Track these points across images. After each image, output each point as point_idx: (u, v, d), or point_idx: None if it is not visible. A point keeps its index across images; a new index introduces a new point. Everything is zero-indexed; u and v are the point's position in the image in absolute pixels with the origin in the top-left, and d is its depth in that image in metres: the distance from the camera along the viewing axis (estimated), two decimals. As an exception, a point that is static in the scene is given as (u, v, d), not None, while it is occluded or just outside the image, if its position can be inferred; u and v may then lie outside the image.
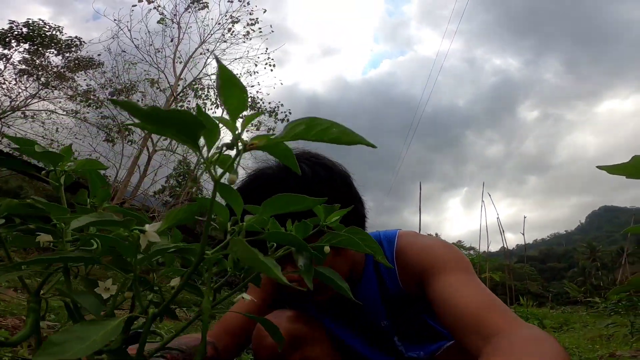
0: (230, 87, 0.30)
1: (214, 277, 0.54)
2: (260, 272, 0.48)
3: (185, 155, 11.80)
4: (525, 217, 8.46)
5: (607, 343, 3.18)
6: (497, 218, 8.45)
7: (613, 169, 0.66)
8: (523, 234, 8.83)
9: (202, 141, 0.35)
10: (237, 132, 0.32)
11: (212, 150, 0.34)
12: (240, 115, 0.32)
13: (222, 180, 0.35)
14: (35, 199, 0.45)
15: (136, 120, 0.30)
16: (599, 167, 0.70)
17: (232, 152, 0.33)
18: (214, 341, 0.90)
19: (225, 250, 0.40)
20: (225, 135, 0.37)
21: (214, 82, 11.92)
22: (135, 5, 11.41)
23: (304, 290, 0.72)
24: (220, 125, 0.34)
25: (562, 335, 4.31)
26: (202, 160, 0.33)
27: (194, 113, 0.31)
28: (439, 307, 0.70)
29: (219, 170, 0.34)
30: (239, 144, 0.32)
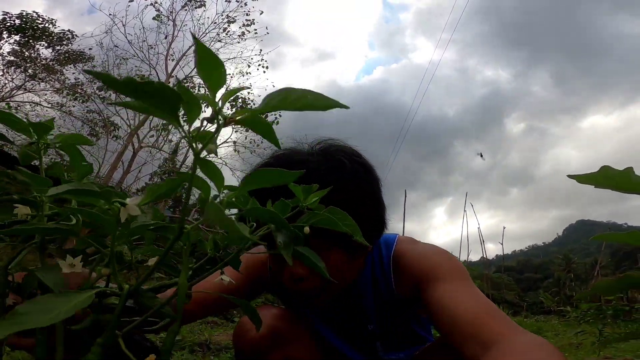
0: (208, 63, 0.32)
1: (193, 258, 0.55)
2: (242, 253, 0.49)
3: (171, 153, 11.64)
4: (504, 228, 8.61)
5: (575, 351, 3.22)
6: (478, 228, 8.58)
7: (583, 179, 0.70)
8: (502, 244, 9.00)
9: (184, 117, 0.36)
10: (217, 107, 0.33)
11: (194, 126, 0.35)
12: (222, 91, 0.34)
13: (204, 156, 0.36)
14: (20, 169, 0.45)
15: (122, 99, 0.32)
16: (570, 176, 0.73)
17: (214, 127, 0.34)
18: None
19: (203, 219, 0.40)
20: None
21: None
22: (132, 0, 11.40)
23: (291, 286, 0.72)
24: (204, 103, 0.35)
25: None
26: (183, 134, 0.34)
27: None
28: (437, 313, 0.70)
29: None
30: (220, 117, 0.33)
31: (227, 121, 0.34)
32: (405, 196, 8.77)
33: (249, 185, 0.41)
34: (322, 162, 0.73)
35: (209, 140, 0.34)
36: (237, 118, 0.34)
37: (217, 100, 0.33)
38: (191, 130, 0.35)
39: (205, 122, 0.34)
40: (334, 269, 0.71)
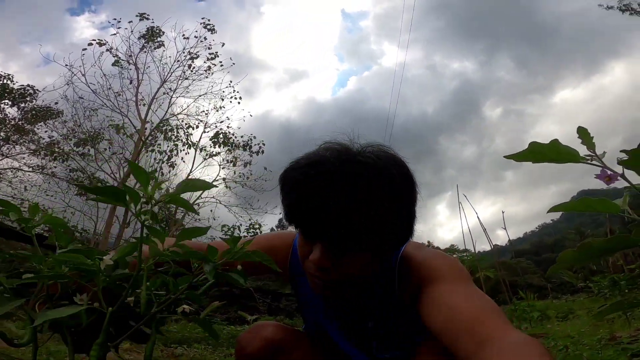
0: (138, 172, 0.54)
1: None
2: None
3: (168, 188, 11.53)
4: (503, 213, 8.69)
5: (609, 326, 3.18)
6: (478, 217, 8.69)
7: (518, 157, 0.67)
8: (505, 229, 9.06)
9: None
10: (149, 195, 0.55)
11: (138, 206, 0.57)
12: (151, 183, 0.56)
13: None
14: (20, 252, 0.67)
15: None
16: (506, 157, 0.78)
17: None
18: None
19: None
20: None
21: (182, 122, 11.71)
22: (86, 49, 11.03)
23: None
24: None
25: (566, 324, 4.27)
26: (132, 212, 0.56)
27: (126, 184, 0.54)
28: (432, 311, 0.71)
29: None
30: (152, 200, 0.55)
31: (156, 202, 0.56)
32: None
33: (181, 238, 0.63)
34: (374, 162, 0.71)
35: (149, 214, 0.56)
36: (163, 199, 0.56)
37: (148, 190, 0.55)
38: (137, 209, 0.57)
39: (143, 205, 0.56)
40: (356, 268, 0.75)
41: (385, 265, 0.86)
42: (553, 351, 2.30)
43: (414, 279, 0.81)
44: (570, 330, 3.41)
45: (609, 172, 0.63)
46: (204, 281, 0.71)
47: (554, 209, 0.72)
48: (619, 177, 0.63)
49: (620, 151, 0.60)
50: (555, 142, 0.60)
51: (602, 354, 1.69)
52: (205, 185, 0.54)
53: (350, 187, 0.68)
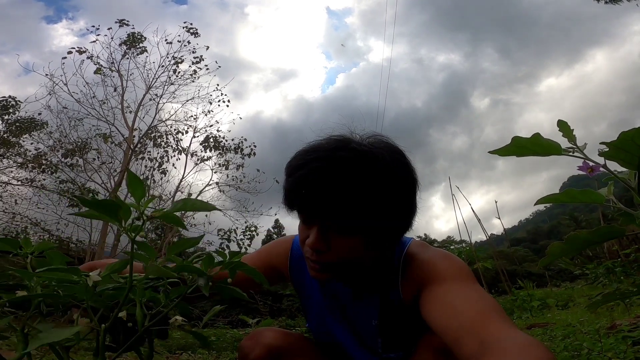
0: (134, 185, 0.54)
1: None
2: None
3: (158, 207, 11.52)
4: (496, 202, 8.74)
5: (609, 313, 3.18)
6: (472, 208, 8.74)
7: (502, 152, 0.69)
8: (499, 219, 9.12)
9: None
10: (141, 210, 0.56)
11: (129, 221, 0.57)
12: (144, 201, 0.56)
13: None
14: (13, 270, 0.66)
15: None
16: (490, 152, 0.78)
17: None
18: None
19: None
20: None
21: (170, 127, 11.55)
22: (65, 57, 10.66)
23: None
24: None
25: (566, 312, 4.26)
26: (122, 228, 0.56)
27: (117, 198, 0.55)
28: (434, 310, 0.71)
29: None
30: (143, 216, 0.55)
31: (148, 218, 0.56)
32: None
33: (173, 251, 0.63)
34: (370, 149, 0.74)
35: (139, 230, 0.57)
36: (155, 215, 0.56)
37: (141, 205, 0.56)
38: (126, 225, 0.57)
39: (134, 220, 0.56)
40: (349, 252, 0.77)
41: (387, 260, 0.87)
42: (555, 341, 2.31)
43: (417, 277, 0.82)
44: (570, 318, 3.39)
45: (590, 163, 0.65)
46: (197, 291, 0.71)
47: (539, 202, 0.73)
48: (600, 168, 0.65)
49: (600, 143, 0.61)
50: (537, 136, 0.61)
51: (602, 342, 1.70)
52: (204, 206, 0.54)
53: (341, 171, 0.71)
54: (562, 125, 0.68)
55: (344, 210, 0.72)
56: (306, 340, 0.99)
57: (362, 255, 0.79)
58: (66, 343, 0.60)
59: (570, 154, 0.66)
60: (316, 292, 0.98)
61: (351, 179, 0.71)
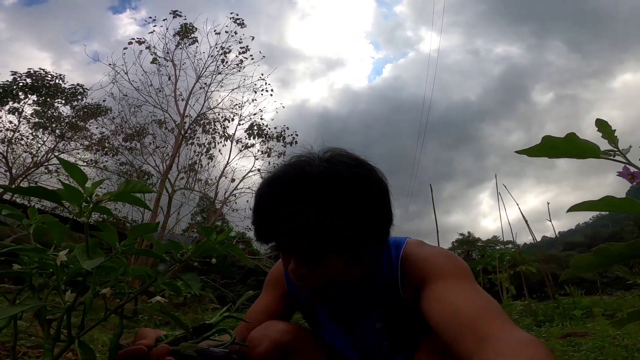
0: (72, 171, 0.56)
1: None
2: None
3: (204, 191, 12.09)
4: (548, 204, 8.17)
5: None
6: (519, 209, 8.25)
7: (531, 152, 0.67)
8: (550, 221, 8.55)
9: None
10: (87, 194, 0.58)
11: (80, 205, 0.59)
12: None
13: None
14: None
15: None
16: (517, 152, 0.75)
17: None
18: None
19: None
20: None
21: (218, 115, 12.11)
22: (126, 48, 11.46)
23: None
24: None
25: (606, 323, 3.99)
26: (72, 210, 0.59)
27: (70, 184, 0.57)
28: (434, 308, 0.71)
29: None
30: (91, 200, 0.58)
31: (97, 201, 0.58)
32: (432, 190, 8.69)
33: (133, 235, 0.65)
34: (323, 170, 0.76)
35: (87, 213, 0.59)
36: (103, 198, 0.58)
37: (87, 187, 0.58)
38: (79, 208, 0.59)
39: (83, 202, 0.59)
40: (332, 272, 0.78)
41: (379, 267, 0.87)
42: (579, 351, 2.16)
43: (416, 276, 0.82)
44: (611, 330, 3.18)
45: (632, 169, 0.58)
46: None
47: (573, 209, 0.66)
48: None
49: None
50: (572, 136, 0.56)
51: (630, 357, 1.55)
52: (144, 189, 0.56)
53: (295, 198, 0.74)
54: (602, 125, 0.61)
55: (310, 241, 0.75)
56: (315, 337, 0.98)
57: (345, 272, 0.79)
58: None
59: (611, 157, 0.59)
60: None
61: (309, 209, 0.73)
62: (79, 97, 12.70)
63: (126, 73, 11.45)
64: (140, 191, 0.56)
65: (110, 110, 12.29)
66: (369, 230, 0.79)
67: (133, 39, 11.85)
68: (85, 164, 11.97)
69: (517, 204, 8.42)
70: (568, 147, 0.61)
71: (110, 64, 11.50)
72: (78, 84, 12.84)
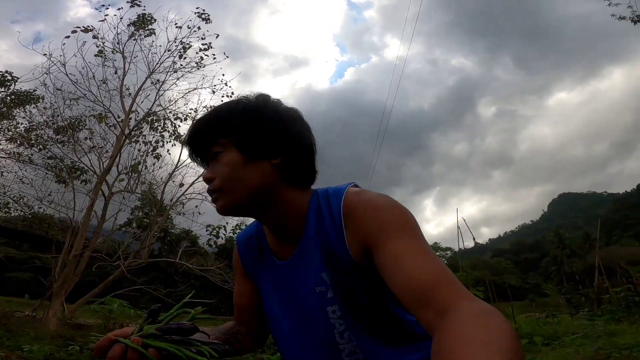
0: None
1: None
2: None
3: (151, 182, 11.16)
4: (464, 220, 8.62)
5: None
6: (459, 217, 8.63)
7: None
8: (473, 238, 9.03)
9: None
10: None
11: None
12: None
13: None
14: None
15: None
16: None
17: None
18: (239, 328, 0.96)
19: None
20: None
21: (169, 112, 11.25)
22: (69, 37, 10.11)
23: None
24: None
25: (553, 354, 3.95)
26: None
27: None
28: (389, 278, 0.70)
29: None
30: None
31: None
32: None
33: None
34: (240, 100, 0.88)
35: None
36: None
37: None
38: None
39: None
40: (230, 167, 0.81)
41: (302, 199, 0.85)
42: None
43: (361, 227, 0.77)
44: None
45: None
46: None
47: None
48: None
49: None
50: None
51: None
52: None
53: (215, 109, 0.88)
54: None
55: (207, 132, 0.84)
56: None
57: (242, 170, 0.81)
58: None
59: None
60: (269, 272, 0.92)
61: (220, 110, 0.86)
62: (8, 83, 11.03)
63: (63, 65, 10.09)
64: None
65: (43, 99, 10.91)
66: (264, 133, 0.83)
67: (78, 27, 10.50)
68: (7, 156, 10.67)
69: (457, 212, 8.84)
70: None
71: (45, 54, 10.06)
72: (7, 71, 11.14)
